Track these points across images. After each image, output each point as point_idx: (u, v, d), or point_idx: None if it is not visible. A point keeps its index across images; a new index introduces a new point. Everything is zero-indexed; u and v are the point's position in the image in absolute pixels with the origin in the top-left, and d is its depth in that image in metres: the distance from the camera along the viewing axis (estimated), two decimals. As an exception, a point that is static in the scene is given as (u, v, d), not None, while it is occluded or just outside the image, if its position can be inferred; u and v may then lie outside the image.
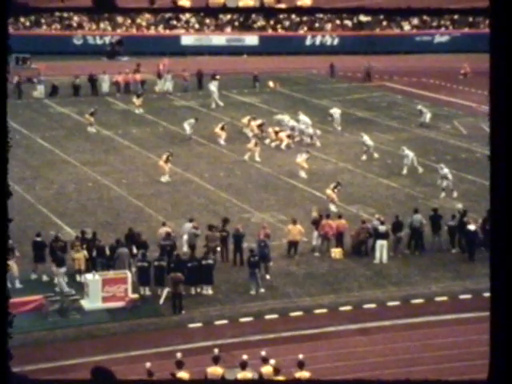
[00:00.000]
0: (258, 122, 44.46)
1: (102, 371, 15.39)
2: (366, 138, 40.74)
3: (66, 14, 69.38)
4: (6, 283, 7.57)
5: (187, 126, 43.90)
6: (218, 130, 43.80)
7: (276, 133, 42.93)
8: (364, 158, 40.33)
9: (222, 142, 43.45)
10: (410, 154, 38.07)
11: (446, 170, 35.14)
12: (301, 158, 37.97)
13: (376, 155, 40.30)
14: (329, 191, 33.38)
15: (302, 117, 44.62)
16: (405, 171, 37.92)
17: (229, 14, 68.43)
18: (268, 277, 27.57)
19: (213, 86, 52.60)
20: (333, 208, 32.63)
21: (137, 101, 50.73)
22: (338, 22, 69.91)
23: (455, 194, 34.47)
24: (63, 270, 26.53)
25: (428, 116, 46.49)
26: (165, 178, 37.28)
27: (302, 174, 37.45)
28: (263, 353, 20.13)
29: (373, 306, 26.07)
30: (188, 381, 18.20)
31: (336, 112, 46.24)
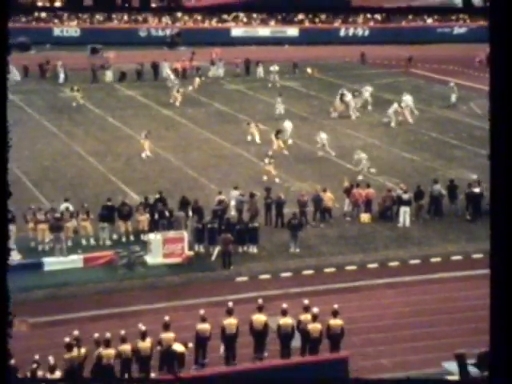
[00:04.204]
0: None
1: (102, 369, 14.76)
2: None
3: (132, 10, 69.49)
4: (6, 283, 6.51)
5: (279, 106, 44.02)
6: (174, 92, 47.13)
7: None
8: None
9: (177, 104, 46.32)
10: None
11: (362, 155, 33.86)
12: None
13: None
14: (267, 167, 32.88)
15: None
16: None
17: (233, 13, 67.93)
18: (322, 225, 28.53)
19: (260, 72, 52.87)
20: (265, 178, 32.33)
21: (198, 81, 52.31)
22: (368, 15, 69.21)
23: (373, 170, 33.47)
24: (61, 235, 26.25)
25: (454, 96, 46.12)
26: (145, 154, 36.66)
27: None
28: (305, 301, 20.06)
29: (396, 263, 26.06)
30: (190, 379, 17.60)
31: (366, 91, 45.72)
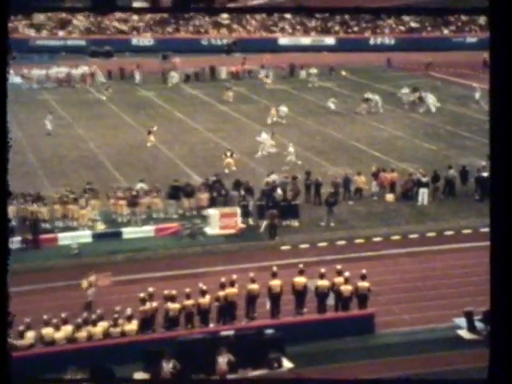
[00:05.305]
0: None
1: (101, 369, 14.50)
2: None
3: (197, 23, 69.21)
4: (6, 282, 5.67)
5: (331, 104, 43.71)
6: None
7: None
8: (259, 154, 34.64)
9: (230, 100, 46.43)
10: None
11: (291, 149, 32.89)
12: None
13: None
14: (228, 159, 31.95)
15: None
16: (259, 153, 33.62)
17: (239, 14, 66.66)
18: (351, 202, 28.29)
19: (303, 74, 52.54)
20: (227, 171, 30.95)
21: (267, 79, 52.88)
22: (394, 26, 68.54)
23: (299, 163, 32.22)
24: (137, 209, 26.41)
25: (478, 94, 44.89)
26: (150, 143, 36.75)
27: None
28: (338, 267, 20.06)
29: (415, 236, 25.86)
30: (196, 381, 16.44)
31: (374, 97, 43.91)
